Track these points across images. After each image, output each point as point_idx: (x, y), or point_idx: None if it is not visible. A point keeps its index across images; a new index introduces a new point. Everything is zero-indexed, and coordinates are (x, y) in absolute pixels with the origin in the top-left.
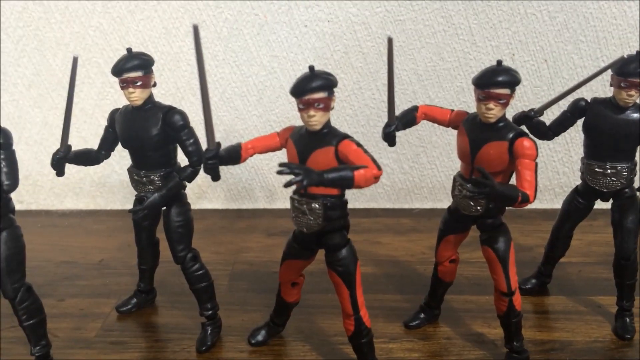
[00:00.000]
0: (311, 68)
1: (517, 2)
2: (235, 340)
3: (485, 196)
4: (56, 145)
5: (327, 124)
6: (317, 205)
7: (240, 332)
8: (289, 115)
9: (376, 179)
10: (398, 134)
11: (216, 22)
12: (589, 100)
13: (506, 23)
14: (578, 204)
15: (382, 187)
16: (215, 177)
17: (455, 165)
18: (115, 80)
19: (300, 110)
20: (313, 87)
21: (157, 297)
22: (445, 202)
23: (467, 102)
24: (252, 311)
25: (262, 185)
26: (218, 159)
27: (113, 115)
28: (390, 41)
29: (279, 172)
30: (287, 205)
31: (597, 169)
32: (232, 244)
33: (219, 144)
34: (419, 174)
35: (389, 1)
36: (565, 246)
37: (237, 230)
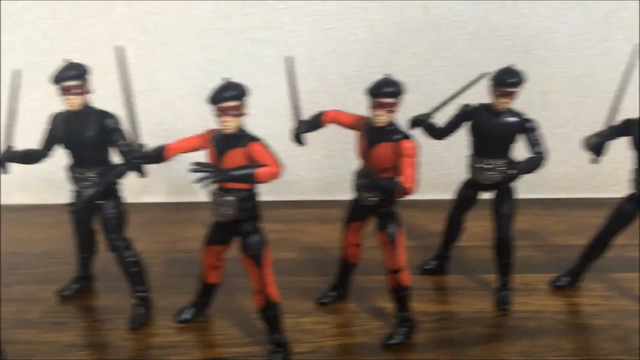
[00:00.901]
0: (226, 79)
1: (432, 15)
2: (165, 319)
3: (368, 188)
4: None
5: (241, 127)
6: (231, 198)
7: (170, 312)
8: None
9: (277, 175)
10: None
11: (157, 29)
12: (475, 106)
13: (423, 32)
14: (466, 194)
15: (313, 181)
16: (141, 174)
17: None
18: None
19: (216, 115)
20: (227, 96)
21: (96, 283)
22: None
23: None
24: (184, 294)
25: None
26: (142, 158)
27: (54, 119)
28: (289, 59)
29: (192, 170)
30: None
31: (480, 165)
32: (170, 235)
33: (142, 145)
34: (347, 169)
35: (318, 11)
36: (458, 231)
37: (177, 222)
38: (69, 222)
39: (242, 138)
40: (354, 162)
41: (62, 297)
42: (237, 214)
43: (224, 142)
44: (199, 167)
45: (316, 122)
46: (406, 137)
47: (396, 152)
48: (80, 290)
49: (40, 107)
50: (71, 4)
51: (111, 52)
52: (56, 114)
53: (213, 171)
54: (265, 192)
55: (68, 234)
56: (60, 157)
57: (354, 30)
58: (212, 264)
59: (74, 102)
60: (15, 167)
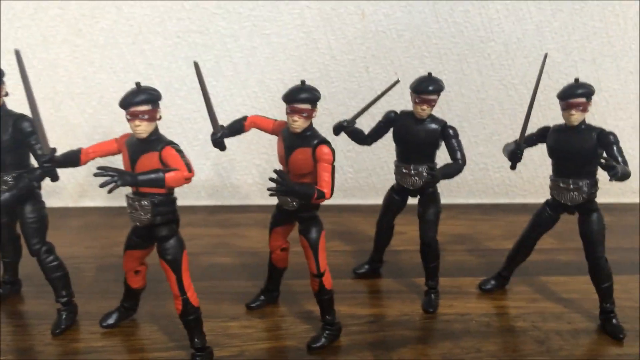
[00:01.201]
0: (137, 84)
1: (369, 22)
2: (90, 324)
3: (282, 193)
4: None
5: (155, 132)
6: (146, 203)
7: (96, 317)
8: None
9: (187, 179)
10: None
11: (93, 31)
12: (398, 113)
13: (360, 39)
14: (393, 199)
15: (256, 185)
16: (53, 178)
17: None
18: None
19: (127, 120)
20: (137, 101)
21: (22, 287)
22: None
23: (329, 108)
24: (112, 298)
25: None
26: (54, 162)
27: None
28: (196, 65)
29: (96, 175)
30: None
31: (404, 171)
32: (107, 239)
33: (54, 149)
34: None
35: (255, 17)
36: (388, 235)
37: (115, 226)
38: None
39: (156, 142)
40: None
41: None
42: (153, 218)
43: (138, 146)
44: (102, 171)
45: (238, 127)
46: (323, 142)
47: (314, 157)
48: (6, 295)
49: None
50: (4, 4)
51: (45, 54)
52: None
53: (117, 175)
54: (207, 197)
55: None
56: None
57: (291, 37)
58: (133, 269)
59: None
60: None
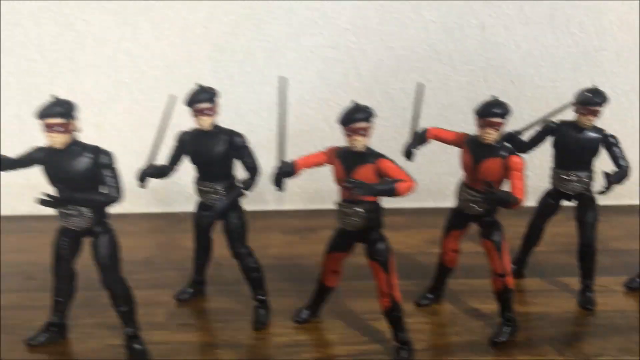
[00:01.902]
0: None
1: (489, 34)
2: (280, 320)
3: (490, 201)
4: None
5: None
6: (359, 209)
7: (281, 314)
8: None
9: (413, 189)
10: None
11: (233, 47)
12: (557, 123)
13: (480, 50)
14: (549, 203)
15: None
16: (280, 189)
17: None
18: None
19: (346, 135)
20: (359, 117)
21: (206, 287)
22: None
23: (447, 116)
24: (289, 297)
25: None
26: (285, 174)
27: (181, 136)
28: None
29: (348, 186)
30: (294, 206)
31: (564, 177)
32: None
33: (286, 163)
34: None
35: (383, 31)
36: (538, 237)
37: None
38: (155, 230)
39: (369, 155)
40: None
41: (179, 300)
42: (365, 223)
43: (352, 158)
44: (353, 183)
45: (422, 138)
46: (514, 152)
47: (504, 167)
48: (195, 294)
49: (122, 121)
50: (151, 25)
51: (189, 70)
52: (183, 132)
53: (361, 186)
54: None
55: (160, 242)
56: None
57: (415, 49)
58: (334, 269)
59: (206, 123)
60: None
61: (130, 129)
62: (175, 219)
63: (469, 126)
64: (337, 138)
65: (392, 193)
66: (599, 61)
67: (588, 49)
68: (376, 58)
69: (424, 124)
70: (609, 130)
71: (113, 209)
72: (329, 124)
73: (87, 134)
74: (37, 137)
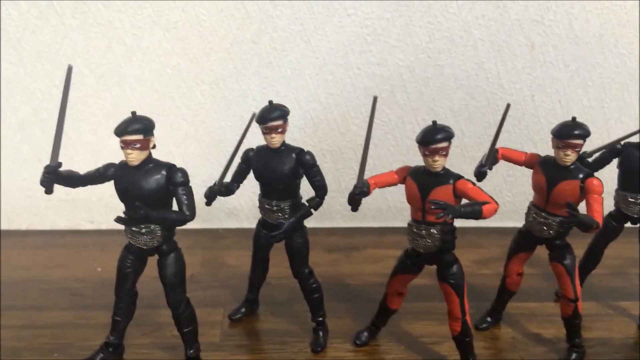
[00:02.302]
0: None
1: (538, 52)
2: (338, 342)
3: (572, 224)
4: None
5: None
6: (434, 231)
7: (337, 335)
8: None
9: (496, 211)
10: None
11: (282, 64)
12: (623, 144)
13: (528, 69)
14: (612, 225)
15: None
16: (355, 208)
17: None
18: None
19: (425, 155)
20: (439, 138)
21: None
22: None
23: (492, 135)
24: (344, 317)
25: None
26: (362, 194)
27: (247, 153)
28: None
29: (434, 207)
30: (335, 224)
31: (629, 199)
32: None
33: (364, 184)
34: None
35: (431, 49)
36: (597, 260)
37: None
38: (197, 247)
39: (446, 176)
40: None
41: (232, 320)
42: (439, 245)
43: (428, 179)
44: (439, 205)
45: (495, 159)
46: (591, 174)
47: (581, 189)
48: (246, 313)
49: (165, 136)
50: (201, 40)
51: (236, 85)
52: (249, 150)
53: (450, 209)
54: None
55: (203, 259)
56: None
57: (463, 67)
58: (399, 291)
59: (276, 141)
60: None
61: (175, 144)
62: (215, 235)
63: (514, 145)
64: (380, 155)
65: (478, 216)
66: None
67: (636, 69)
68: (423, 75)
69: (470, 142)
70: None
71: None
72: (374, 142)
73: None
74: (79, 152)
